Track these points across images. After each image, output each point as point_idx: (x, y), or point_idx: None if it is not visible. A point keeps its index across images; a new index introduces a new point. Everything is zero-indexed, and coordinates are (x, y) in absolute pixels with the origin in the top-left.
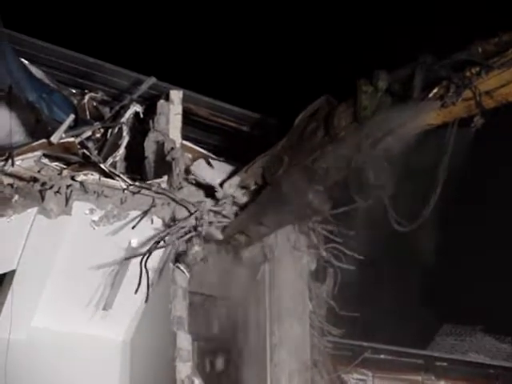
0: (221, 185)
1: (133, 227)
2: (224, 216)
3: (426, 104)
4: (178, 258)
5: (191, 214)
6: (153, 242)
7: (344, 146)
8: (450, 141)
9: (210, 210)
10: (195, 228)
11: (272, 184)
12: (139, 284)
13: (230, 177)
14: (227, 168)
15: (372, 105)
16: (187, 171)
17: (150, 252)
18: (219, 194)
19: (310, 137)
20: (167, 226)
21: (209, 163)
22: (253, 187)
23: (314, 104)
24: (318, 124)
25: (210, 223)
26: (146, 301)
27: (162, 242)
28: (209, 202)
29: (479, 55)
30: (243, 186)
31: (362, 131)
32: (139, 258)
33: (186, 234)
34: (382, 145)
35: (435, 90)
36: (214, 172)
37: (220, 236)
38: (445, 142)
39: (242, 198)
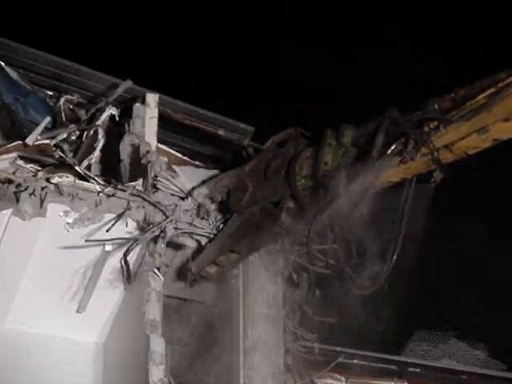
0: (190, 192)
1: (107, 230)
2: (194, 225)
3: (384, 161)
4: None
5: (167, 217)
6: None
7: (303, 195)
8: (409, 197)
9: (186, 210)
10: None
11: (237, 212)
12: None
13: (199, 185)
14: (201, 172)
15: (333, 161)
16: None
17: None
18: (188, 201)
19: (274, 174)
20: (141, 228)
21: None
22: (219, 200)
23: (284, 133)
24: (283, 163)
25: (184, 230)
26: (126, 289)
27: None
28: (183, 205)
29: (436, 111)
30: (211, 198)
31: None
32: (113, 261)
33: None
34: (339, 203)
35: (393, 147)
36: (187, 176)
37: (194, 244)
38: (403, 198)
39: (211, 207)
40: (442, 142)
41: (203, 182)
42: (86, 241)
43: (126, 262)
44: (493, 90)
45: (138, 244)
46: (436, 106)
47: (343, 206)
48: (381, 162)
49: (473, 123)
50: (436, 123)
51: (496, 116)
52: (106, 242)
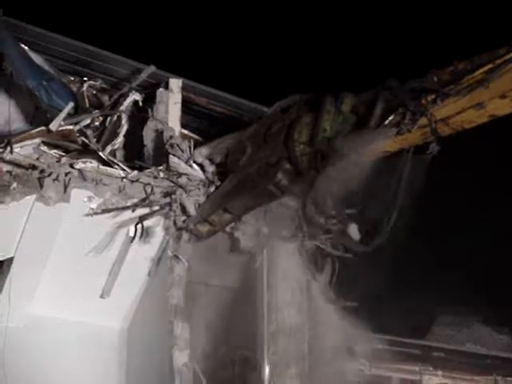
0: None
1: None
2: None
3: (382, 131)
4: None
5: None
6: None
7: (301, 161)
8: (406, 167)
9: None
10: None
11: (234, 171)
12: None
13: (201, 146)
14: None
15: (332, 129)
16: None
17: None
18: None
19: (273, 137)
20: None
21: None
22: (217, 162)
23: (289, 98)
24: (283, 126)
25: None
26: (149, 274)
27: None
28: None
29: (435, 83)
30: (210, 159)
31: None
32: (137, 247)
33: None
34: (337, 168)
35: (391, 117)
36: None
37: (193, 211)
38: (400, 168)
39: (209, 168)
40: (439, 115)
41: (205, 144)
42: (103, 210)
43: (142, 226)
44: (491, 66)
45: (153, 210)
46: (435, 79)
47: (341, 173)
48: (378, 131)
49: (470, 98)
50: (434, 96)
51: (492, 92)
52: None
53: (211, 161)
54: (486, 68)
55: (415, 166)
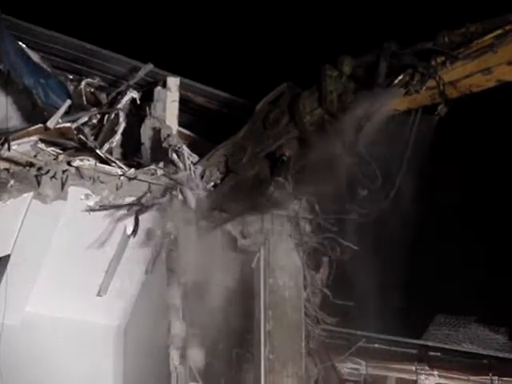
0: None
1: (127, 210)
2: None
3: (390, 90)
4: None
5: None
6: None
7: (310, 130)
8: (414, 127)
9: None
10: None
11: (235, 172)
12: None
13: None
14: None
15: (337, 89)
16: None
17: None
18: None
19: (274, 124)
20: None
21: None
22: (216, 175)
23: (276, 91)
24: (282, 111)
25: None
26: (146, 273)
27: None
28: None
29: (445, 45)
30: (205, 175)
31: (327, 115)
32: (134, 246)
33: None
34: (347, 130)
35: (400, 77)
36: None
37: (193, 205)
38: (408, 128)
39: (206, 186)
40: (447, 78)
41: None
42: (101, 206)
43: (137, 221)
44: (500, 31)
45: (149, 208)
46: (446, 39)
47: (351, 132)
48: (387, 91)
49: (478, 63)
50: (443, 58)
51: (501, 58)
52: (119, 208)
53: (207, 177)
54: (495, 33)
55: (422, 127)
